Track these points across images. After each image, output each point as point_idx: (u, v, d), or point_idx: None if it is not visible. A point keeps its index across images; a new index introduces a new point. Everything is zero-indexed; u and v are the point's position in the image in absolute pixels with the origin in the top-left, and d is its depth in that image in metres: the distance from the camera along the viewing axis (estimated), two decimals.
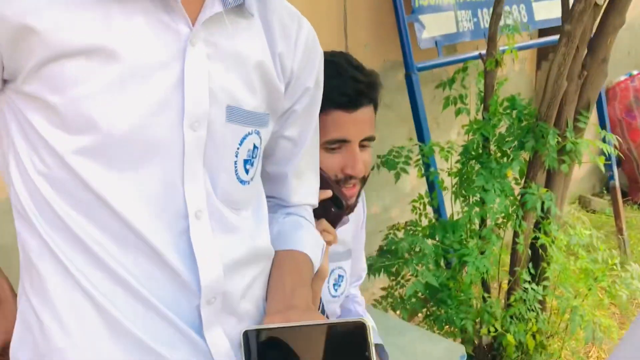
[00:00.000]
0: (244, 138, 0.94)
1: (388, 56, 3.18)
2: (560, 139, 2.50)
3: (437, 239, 2.61)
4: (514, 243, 2.61)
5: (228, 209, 0.94)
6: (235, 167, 0.94)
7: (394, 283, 2.74)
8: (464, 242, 2.56)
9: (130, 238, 0.86)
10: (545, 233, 2.62)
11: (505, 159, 2.49)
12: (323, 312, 1.54)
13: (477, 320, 2.54)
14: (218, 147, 0.91)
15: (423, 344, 2.13)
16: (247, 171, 0.97)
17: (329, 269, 1.34)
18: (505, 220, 2.61)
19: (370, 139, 1.39)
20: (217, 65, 0.89)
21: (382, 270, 2.64)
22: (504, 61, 2.49)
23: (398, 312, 2.71)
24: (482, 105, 2.59)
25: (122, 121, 0.83)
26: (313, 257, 1.11)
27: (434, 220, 2.69)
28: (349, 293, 1.73)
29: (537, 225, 2.66)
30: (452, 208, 2.71)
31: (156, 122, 0.85)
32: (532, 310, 2.50)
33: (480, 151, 2.57)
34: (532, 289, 2.40)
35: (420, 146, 2.72)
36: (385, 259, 2.68)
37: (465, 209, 2.53)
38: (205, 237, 0.90)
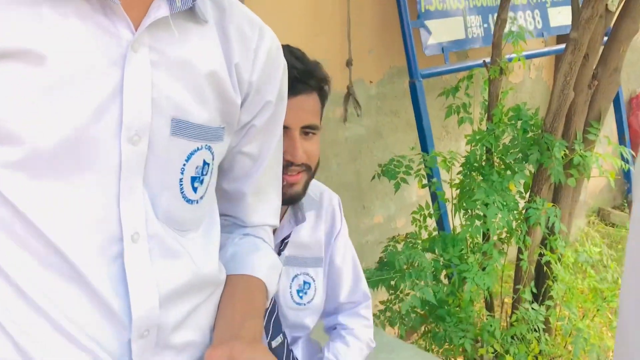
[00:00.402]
0: (191, 153, 0.87)
1: (394, 62, 3.09)
2: (567, 152, 2.38)
3: (437, 252, 2.51)
4: (518, 259, 2.50)
5: (171, 231, 0.87)
6: (181, 185, 0.87)
7: (392, 297, 2.65)
8: (465, 257, 2.46)
9: (54, 261, 0.79)
10: (552, 249, 2.51)
11: (508, 172, 2.38)
12: (272, 312, 1.47)
13: (477, 339, 2.44)
14: (161, 163, 0.83)
15: None
16: (195, 189, 0.89)
17: None
18: (509, 235, 2.50)
19: (313, 127, 1.35)
20: (162, 74, 0.82)
21: (380, 284, 2.55)
22: (513, 69, 2.39)
23: (396, 327, 2.62)
24: (486, 114, 2.49)
25: (50, 134, 0.76)
26: (269, 282, 1.04)
27: (434, 233, 2.59)
28: (340, 323, 1.64)
29: (544, 242, 2.54)
30: (453, 221, 2.61)
31: (90, 134, 0.78)
32: (535, 330, 2.39)
33: (483, 163, 2.47)
34: (533, 308, 2.28)
35: (422, 155, 2.62)
36: (385, 271, 2.59)
37: (467, 222, 2.43)
38: (141, 263, 0.82)
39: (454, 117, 2.55)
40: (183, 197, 0.87)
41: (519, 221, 2.44)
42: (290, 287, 1.52)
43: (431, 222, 2.71)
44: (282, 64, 1.00)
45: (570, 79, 2.21)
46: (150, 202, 0.83)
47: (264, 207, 1.07)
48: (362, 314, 1.68)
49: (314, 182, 1.60)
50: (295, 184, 1.36)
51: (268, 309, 1.47)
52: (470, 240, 2.57)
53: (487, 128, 2.44)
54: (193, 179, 0.88)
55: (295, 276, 1.53)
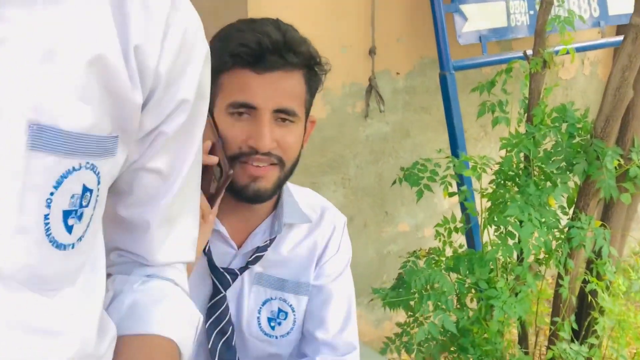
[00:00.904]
0: (63, 177, 0.60)
1: (426, 52, 2.75)
2: (622, 162, 2.00)
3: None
4: (557, 286, 2.13)
5: (31, 294, 0.60)
6: (47, 224, 0.59)
7: (411, 320, 2.32)
8: (494, 280, 2.11)
9: None
10: (598, 276, 2.13)
11: (548, 184, 2.01)
12: (223, 334, 1.21)
13: None
14: (9, 193, 0.57)
15: None
16: (69, 229, 0.62)
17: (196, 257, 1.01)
18: (547, 257, 2.14)
19: (289, 112, 1.15)
20: (13, 55, 0.56)
21: (394, 305, 2.23)
22: (563, 63, 2.02)
23: (413, 355, 2.29)
24: (526, 115, 2.12)
25: None
26: (183, 344, 0.76)
27: (460, 250, 2.25)
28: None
29: (590, 266, 2.17)
30: (483, 238, 2.26)
31: None
32: None
33: (520, 171, 2.11)
34: (571, 348, 1.91)
35: (450, 159, 2.27)
36: (403, 290, 2.27)
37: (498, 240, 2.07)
38: None
39: (477, 118, 2.20)
40: (50, 241, 0.60)
41: (560, 241, 2.08)
42: (259, 313, 1.26)
43: (460, 237, 2.37)
44: (204, 50, 0.73)
45: (629, 75, 1.83)
46: None
47: (175, 240, 0.80)
48: None
49: (318, 198, 1.37)
50: (261, 178, 1.15)
51: (217, 328, 1.21)
52: (503, 260, 2.22)
53: (526, 131, 2.08)
54: (66, 214, 0.61)
55: (268, 300, 1.27)
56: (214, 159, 1.08)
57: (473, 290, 2.20)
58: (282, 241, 1.26)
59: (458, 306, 2.30)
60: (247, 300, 1.25)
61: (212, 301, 1.21)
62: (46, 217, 0.59)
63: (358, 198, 2.74)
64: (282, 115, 1.13)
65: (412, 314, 2.28)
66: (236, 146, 1.13)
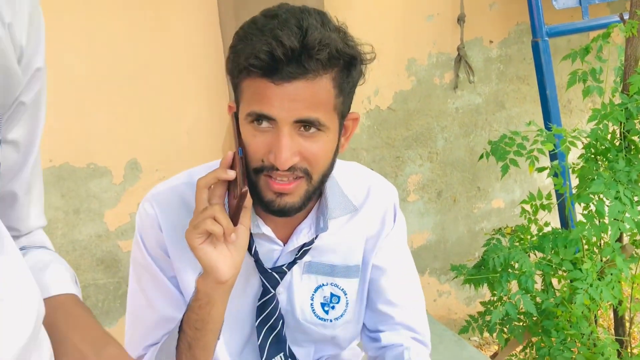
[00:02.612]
0: None
1: (523, 18, 2.60)
2: None
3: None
4: None
5: None
6: None
7: (495, 299, 2.24)
8: (580, 261, 1.98)
9: None
10: None
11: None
12: (273, 328, 1.22)
13: None
14: None
15: None
16: None
17: (228, 270, 1.03)
18: None
19: (312, 122, 1.01)
20: None
21: (474, 282, 2.16)
22: None
23: (494, 335, 2.22)
24: (622, 84, 1.95)
25: None
26: (78, 292, 0.84)
27: (545, 229, 2.12)
28: (400, 343, 1.30)
29: None
30: (576, 216, 2.11)
31: None
32: None
33: (617, 143, 1.94)
34: None
35: (539, 132, 2.13)
36: (483, 269, 2.19)
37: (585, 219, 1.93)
38: None
39: (567, 88, 2.04)
40: None
41: None
42: (312, 299, 1.24)
43: (554, 216, 2.23)
44: (42, 19, 0.76)
45: None
46: None
47: (37, 206, 0.86)
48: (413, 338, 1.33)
49: (364, 174, 1.30)
50: (287, 195, 1.05)
51: (267, 324, 1.21)
52: (595, 240, 2.07)
53: (621, 101, 1.91)
54: None
55: (320, 287, 1.25)
56: (231, 174, 1.01)
57: (560, 272, 2.08)
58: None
59: (543, 288, 2.18)
60: (298, 289, 1.23)
61: (262, 300, 1.20)
62: None
63: (447, 173, 2.66)
64: (305, 124, 1.01)
65: (496, 293, 2.20)
66: (259, 158, 1.04)
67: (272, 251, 1.19)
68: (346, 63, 1.01)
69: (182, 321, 1.10)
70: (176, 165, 2.09)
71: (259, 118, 1.01)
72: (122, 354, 0.76)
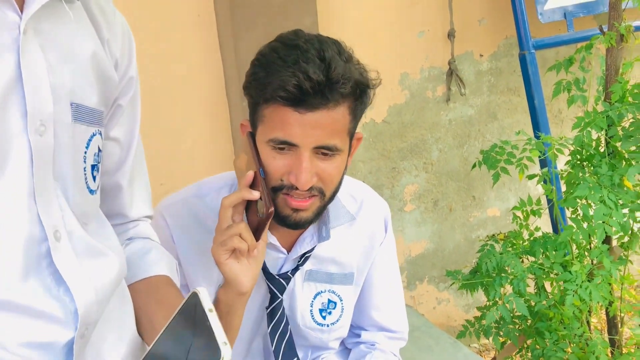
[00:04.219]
0: (89, 140, 0.82)
1: (511, 32, 2.68)
2: None
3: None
4: None
5: (80, 225, 0.81)
6: (85, 174, 0.82)
7: (491, 303, 2.30)
8: (570, 263, 2.05)
9: None
10: None
11: (623, 163, 1.92)
12: (284, 334, 1.30)
13: None
14: (67, 153, 0.78)
15: None
16: (94, 178, 0.84)
17: (250, 282, 1.11)
18: (631, 240, 2.04)
19: (331, 148, 1.10)
20: (53, 57, 0.76)
21: (470, 288, 2.23)
22: (634, 36, 1.91)
23: (490, 338, 2.28)
24: (604, 92, 2.03)
25: None
26: (173, 277, 0.98)
27: (535, 234, 2.19)
28: (373, 342, 1.42)
29: None
30: (563, 219, 2.19)
31: None
32: None
33: (601, 149, 2.02)
34: None
35: (528, 140, 2.22)
36: (479, 275, 2.26)
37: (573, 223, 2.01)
38: (70, 261, 0.77)
39: (552, 98, 2.13)
40: (87, 187, 0.82)
41: None
42: (312, 306, 1.34)
43: (544, 221, 2.31)
44: (132, 38, 0.93)
45: None
46: (64, 196, 0.78)
47: (140, 196, 1.01)
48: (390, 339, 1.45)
49: (358, 185, 1.40)
50: (303, 210, 1.14)
51: (278, 330, 1.29)
52: (584, 243, 2.14)
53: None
54: (92, 167, 0.83)
55: (319, 294, 1.34)
56: (256, 194, 1.08)
57: (552, 275, 2.15)
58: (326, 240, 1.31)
59: (536, 291, 2.25)
60: (299, 296, 1.31)
61: (272, 306, 1.28)
62: (84, 169, 0.81)
63: (442, 182, 2.74)
64: (324, 150, 1.10)
65: (491, 297, 2.27)
66: (278, 178, 1.11)
67: (277, 259, 1.28)
68: (361, 92, 1.11)
69: None
70: (178, 180, 2.17)
71: (280, 143, 1.09)
72: None
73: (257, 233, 1.09)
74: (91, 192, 0.83)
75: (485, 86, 2.73)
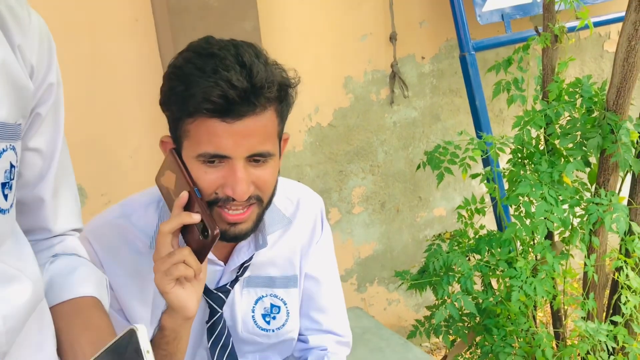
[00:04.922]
0: None
1: (452, 34, 2.73)
2: None
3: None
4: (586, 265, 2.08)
5: None
6: None
7: (439, 302, 2.33)
8: (515, 260, 2.09)
9: None
10: (627, 253, 2.06)
11: (562, 160, 1.97)
12: (225, 347, 1.26)
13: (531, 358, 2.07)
14: None
15: None
16: (5, 197, 0.77)
17: (196, 305, 1.08)
18: (571, 235, 2.09)
19: (264, 154, 1.08)
20: None
21: (418, 287, 2.25)
22: (578, 36, 1.96)
23: (440, 337, 2.30)
24: (542, 92, 2.08)
25: None
26: (101, 297, 0.92)
27: (480, 232, 2.23)
28: (324, 346, 1.40)
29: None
30: (507, 217, 2.23)
31: None
32: (609, 352, 1.98)
33: (540, 147, 2.07)
34: (588, 327, 1.87)
35: (470, 140, 2.25)
36: (426, 274, 2.28)
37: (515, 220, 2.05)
38: None
39: (492, 98, 2.17)
40: None
41: (583, 219, 2.03)
42: (253, 312, 1.29)
43: (489, 220, 2.35)
44: (52, 42, 0.87)
45: (636, 44, 1.76)
46: None
47: (66, 209, 0.95)
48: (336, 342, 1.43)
49: (291, 185, 1.37)
50: (241, 223, 1.10)
51: (219, 345, 1.26)
52: (527, 240, 2.19)
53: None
54: (3, 185, 0.76)
55: (260, 299, 1.30)
56: (196, 218, 1.03)
57: (498, 272, 2.19)
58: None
59: (483, 289, 2.28)
60: (239, 304, 1.27)
61: (212, 320, 1.24)
62: None
63: (389, 184, 2.76)
64: (257, 157, 1.07)
65: (441, 297, 2.29)
66: (211, 192, 1.07)
67: (215, 272, 1.23)
68: (285, 93, 1.09)
69: None
70: (121, 190, 2.12)
71: (211, 157, 1.04)
72: None
73: (200, 255, 1.05)
74: (2, 212, 0.76)
75: (427, 88, 2.76)
